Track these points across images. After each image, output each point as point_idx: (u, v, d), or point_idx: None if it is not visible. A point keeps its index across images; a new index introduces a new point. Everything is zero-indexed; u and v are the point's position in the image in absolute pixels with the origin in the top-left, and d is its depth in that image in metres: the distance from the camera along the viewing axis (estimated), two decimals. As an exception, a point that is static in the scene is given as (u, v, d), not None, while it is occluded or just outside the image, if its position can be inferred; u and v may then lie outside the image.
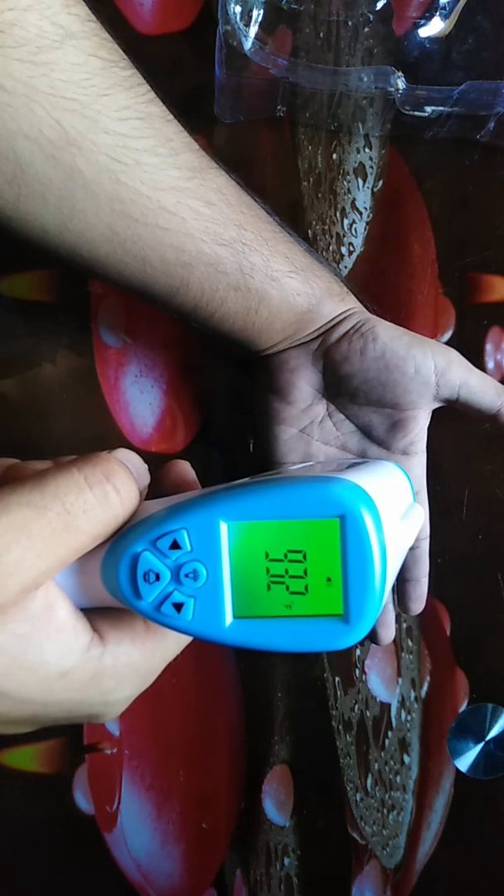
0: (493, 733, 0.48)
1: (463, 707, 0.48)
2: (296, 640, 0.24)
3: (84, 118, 0.31)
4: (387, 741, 0.48)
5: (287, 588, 0.24)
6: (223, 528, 0.24)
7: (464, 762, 0.48)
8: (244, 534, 0.24)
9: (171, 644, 0.28)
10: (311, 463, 0.40)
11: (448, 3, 0.41)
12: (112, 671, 0.27)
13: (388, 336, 0.39)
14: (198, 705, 0.48)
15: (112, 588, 0.26)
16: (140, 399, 0.46)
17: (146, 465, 0.28)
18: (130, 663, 0.27)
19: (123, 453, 0.27)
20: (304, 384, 0.41)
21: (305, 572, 0.24)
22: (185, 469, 0.32)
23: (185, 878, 0.49)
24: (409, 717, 0.48)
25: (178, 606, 0.24)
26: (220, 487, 0.26)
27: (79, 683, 0.26)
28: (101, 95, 0.32)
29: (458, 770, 0.48)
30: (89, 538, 0.25)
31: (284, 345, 0.40)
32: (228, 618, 0.24)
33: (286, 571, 0.24)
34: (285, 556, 0.24)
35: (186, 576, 0.24)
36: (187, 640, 0.29)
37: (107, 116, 0.32)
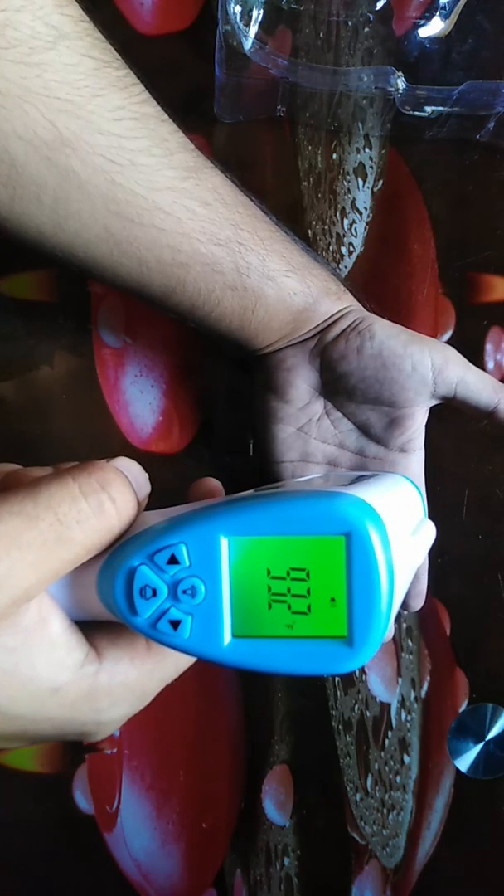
0: (493, 733, 0.48)
1: (463, 707, 0.48)
2: (297, 663, 0.23)
3: (78, 119, 0.31)
4: (387, 741, 0.48)
5: (289, 607, 0.23)
6: (223, 543, 0.23)
7: (464, 762, 0.48)
8: (245, 550, 0.23)
9: (169, 666, 0.27)
10: (317, 475, 0.40)
11: (448, 3, 0.41)
12: (107, 690, 0.26)
13: (385, 334, 0.39)
14: (198, 705, 0.48)
15: (108, 602, 0.25)
16: (140, 399, 0.46)
17: (146, 475, 0.28)
18: (127, 683, 0.26)
19: (122, 462, 0.26)
20: (301, 383, 0.40)
21: (308, 591, 0.23)
22: (215, 486, 0.32)
23: (185, 878, 0.49)
24: (409, 717, 0.48)
25: (175, 624, 0.24)
26: (221, 500, 0.25)
27: (71, 701, 0.25)
28: (95, 96, 0.32)
29: (458, 770, 0.48)
30: (83, 549, 0.24)
31: (281, 343, 0.40)
32: (227, 637, 0.24)
33: (288, 590, 0.23)
34: (288, 573, 0.23)
35: (184, 592, 0.23)
36: (186, 663, 0.28)
37: (101, 117, 0.32)
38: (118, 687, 0.26)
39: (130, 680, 0.26)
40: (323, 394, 0.41)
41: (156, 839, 0.49)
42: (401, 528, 0.26)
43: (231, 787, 0.49)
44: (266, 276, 0.37)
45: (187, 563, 0.23)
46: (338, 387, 0.40)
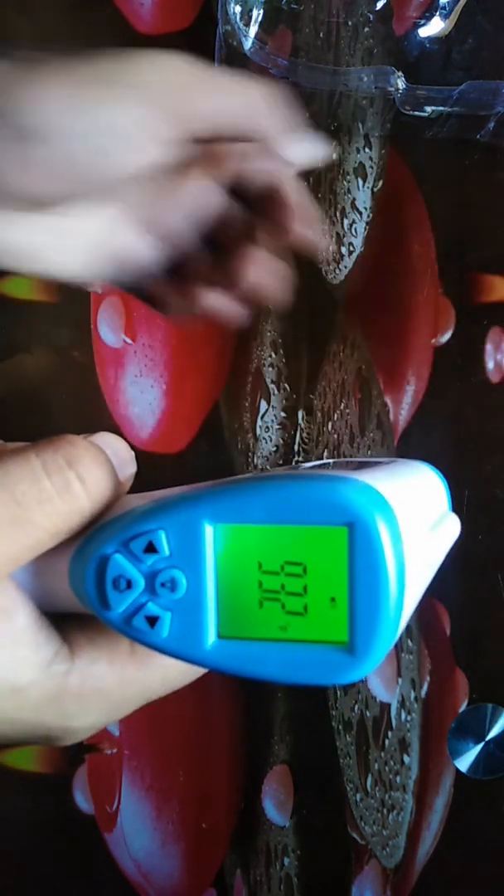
0: (493, 733, 0.48)
1: (463, 707, 0.48)
2: (289, 670, 0.20)
3: None
4: (387, 741, 0.48)
5: (283, 606, 0.20)
6: (208, 531, 0.20)
7: (464, 762, 0.48)
8: (233, 539, 0.21)
9: (154, 676, 0.24)
10: (329, 461, 0.36)
11: (448, 3, 0.41)
12: (77, 693, 0.23)
13: (55, 113, 0.28)
14: (198, 705, 0.48)
15: (80, 594, 0.22)
16: (140, 399, 0.46)
17: (131, 452, 0.25)
18: (102, 689, 0.23)
19: (103, 437, 0.24)
20: None
21: (305, 589, 0.20)
22: None
23: (185, 878, 0.49)
24: (409, 717, 0.48)
25: (153, 620, 0.21)
26: (210, 483, 0.22)
27: (35, 703, 0.22)
28: None
29: (458, 770, 0.48)
30: (46, 534, 0.21)
31: None
32: (211, 637, 0.21)
33: (282, 587, 0.20)
34: (282, 568, 0.20)
35: (163, 585, 0.21)
36: (178, 678, 0.25)
37: None
38: (91, 692, 0.23)
39: (106, 685, 0.23)
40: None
41: (156, 839, 0.49)
42: (416, 520, 0.23)
43: (231, 787, 0.49)
44: None
45: (167, 553, 0.21)
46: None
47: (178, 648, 0.21)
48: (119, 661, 0.23)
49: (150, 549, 0.21)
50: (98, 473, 0.22)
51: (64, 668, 0.23)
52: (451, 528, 0.29)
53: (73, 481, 0.21)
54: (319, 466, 0.28)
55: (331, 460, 0.35)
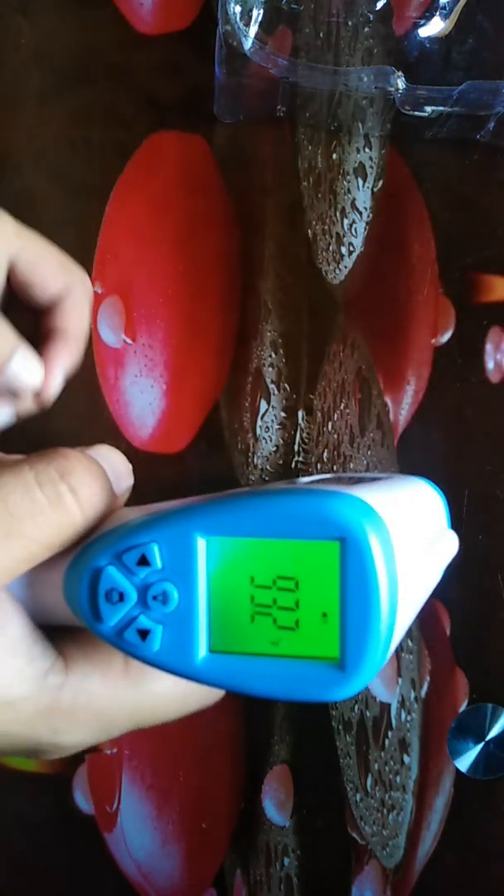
0: (493, 733, 0.48)
1: (463, 707, 0.48)
2: (280, 685, 0.20)
3: None
4: (387, 741, 0.48)
5: (274, 621, 0.20)
6: (201, 544, 0.20)
7: (464, 762, 0.48)
8: (226, 553, 0.20)
9: (145, 701, 0.24)
10: (326, 475, 0.37)
11: (448, 3, 0.41)
12: (69, 709, 0.23)
13: None
14: (198, 705, 0.48)
15: (73, 606, 0.22)
16: (140, 399, 0.46)
17: (129, 465, 0.25)
18: (92, 706, 0.23)
19: (99, 449, 0.24)
20: None
21: (297, 604, 0.20)
22: None
23: (185, 878, 0.49)
24: (409, 717, 0.48)
25: (144, 633, 0.21)
26: (203, 497, 0.23)
27: (27, 716, 0.22)
28: None
29: (458, 770, 0.48)
30: (39, 546, 0.22)
31: None
32: (202, 651, 0.21)
33: (274, 601, 0.20)
34: (274, 582, 0.20)
35: (155, 598, 0.21)
36: (169, 709, 0.25)
37: None
38: (82, 709, 0.23)
39: (97, 703, 0.23)
40: None
41: (156, 839, 0.49)
42: (410, 536, 0.23)
43: (231, 787, 0.49)
44: None
45: (159, 566, 0.21)
46: None
47: (169, 662, 0.21)
48: (112, 678, 0.23)
49: (143, 561, 0.21)
50: (92, 486, 0.22)
51: (58, 681, 0.23)
52: (449, 545, 0.29)
53: (65, 493, 0.22)
54: (317, 482, 0.28)
55: (328, 475, 0.35)
